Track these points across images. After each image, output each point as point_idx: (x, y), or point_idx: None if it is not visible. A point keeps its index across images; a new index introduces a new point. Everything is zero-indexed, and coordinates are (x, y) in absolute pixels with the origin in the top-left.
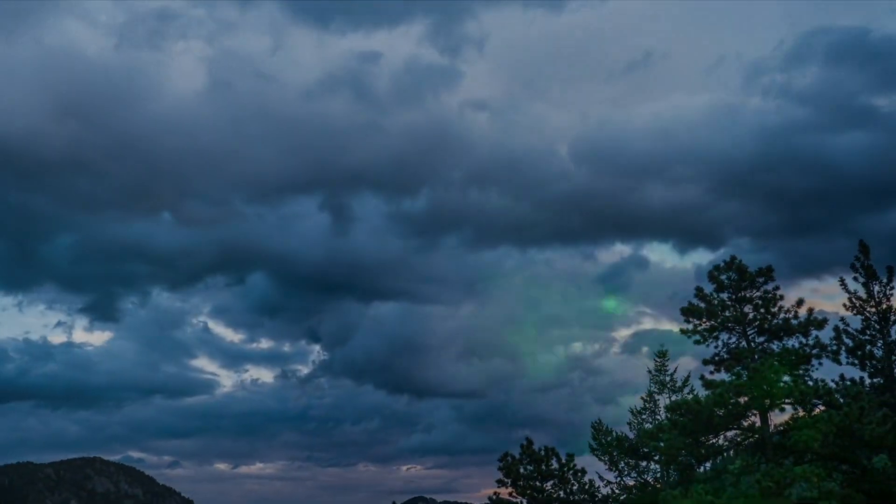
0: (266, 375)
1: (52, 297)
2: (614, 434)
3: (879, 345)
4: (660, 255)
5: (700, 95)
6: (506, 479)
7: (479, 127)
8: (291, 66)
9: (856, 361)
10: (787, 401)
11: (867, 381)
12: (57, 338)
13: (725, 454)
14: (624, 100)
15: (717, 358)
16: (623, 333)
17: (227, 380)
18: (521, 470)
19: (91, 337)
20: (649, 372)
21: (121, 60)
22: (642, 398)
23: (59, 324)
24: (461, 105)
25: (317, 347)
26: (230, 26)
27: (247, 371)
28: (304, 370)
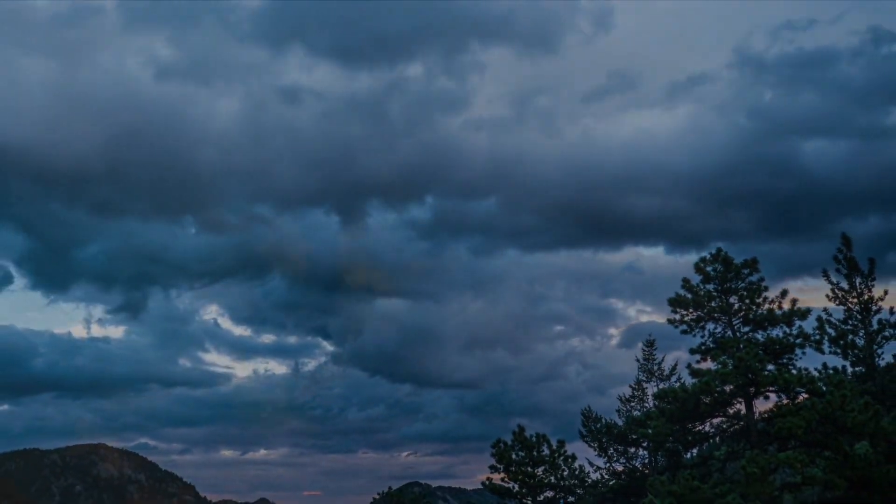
0: (277, 368)
1: (81, 295)
2: (604, 421)
3: (861, 335)
4: (652, 257)
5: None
6: (498, 465)
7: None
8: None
9: (838, 351)
10: (771, 389)
11: (849, 369)
12: (82, 333)
13: (711, 441)
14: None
15: (703, 347)
16: (619, 329)
17: (240, 372)
18: (514, 456)
19: (115, 332)
20: (637, 361)
21: (164, 89)
22: (631, 386)
23: (85, 320)
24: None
25: (325, 342)
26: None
27: (259, 364)
28: (314, 363)
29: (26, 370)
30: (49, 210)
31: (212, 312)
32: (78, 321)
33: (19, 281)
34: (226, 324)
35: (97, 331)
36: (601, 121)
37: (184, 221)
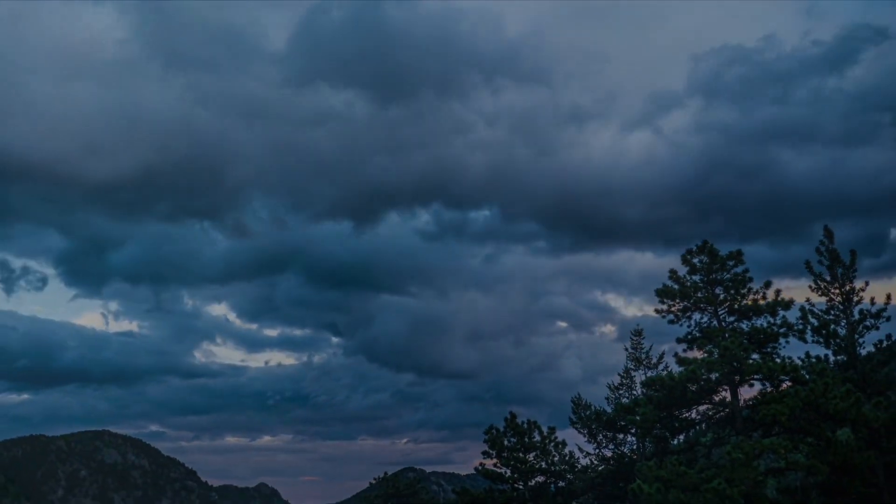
0: (286, 360)
1: (110, 293)
2: (593, 408)
3: (843, 324)
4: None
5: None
6: (491, 451)
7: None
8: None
9: (820, 340)
10: (755, 377)
11: (831, 358)
12: (109, 328)
13: (698, 427)
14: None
15: (689, 336)
16: (613, 324)
17: (252, 364)
18: (506, 442)
19: (138, 327)
20: (626, 350)
21: (199, 114)
22: (619, 375)
23: (113, 315)
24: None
25: (334, 337)
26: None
27: (270, 356)
28: (322, 355)
29: (56, 362)
30: (83, 216)
31: (225, 309)
32: (106, 317)
33: (55, 280)
34: (240, 319)
35: (122, 326)
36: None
37: (209, 227)
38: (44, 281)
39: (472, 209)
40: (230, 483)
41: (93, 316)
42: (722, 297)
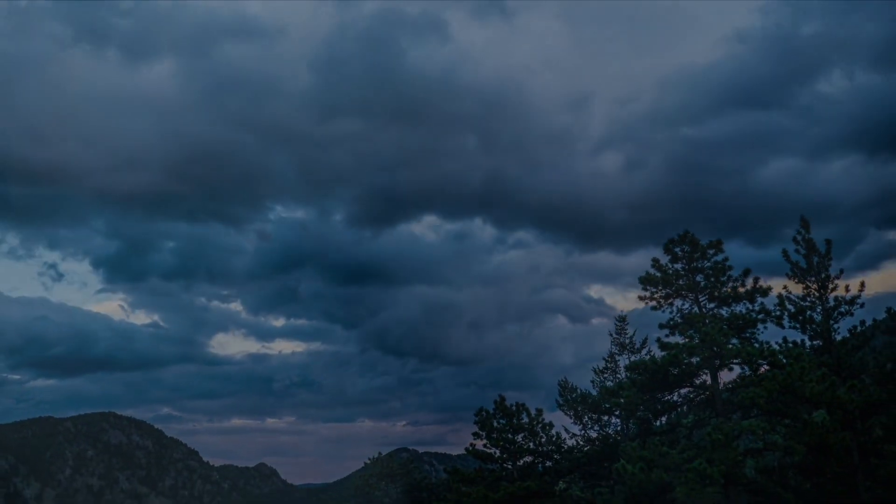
0: (297, 347)
1: (146, 288)
2: (579, 391)
3: (819, 311)
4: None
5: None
6: (480, 432)
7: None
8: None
9: (797, 326)
10: (735, 361)
11: (808, 343)
12: (139, 320)
13: (679, 409)
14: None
15: (671, 322)
16: (602, 316)
17: (264, 351)
18: (495, 423)
19: (165, 319)
20: (610, 335)
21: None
22: (604, 359)
23: (143, 308)
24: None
25: (342, 327)
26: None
27: (283, 345)
28: (331, 344)
29: (86, 351)
30: (122, 219)
31: (244, 303)
32: (131, 309)
33: (93, 275)
34: (256, 312)
35: (148, 318)
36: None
37: (235, 231)
38: (83, 276)
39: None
40: (231, 463)
41: (119, 308)
42: (703, 284)
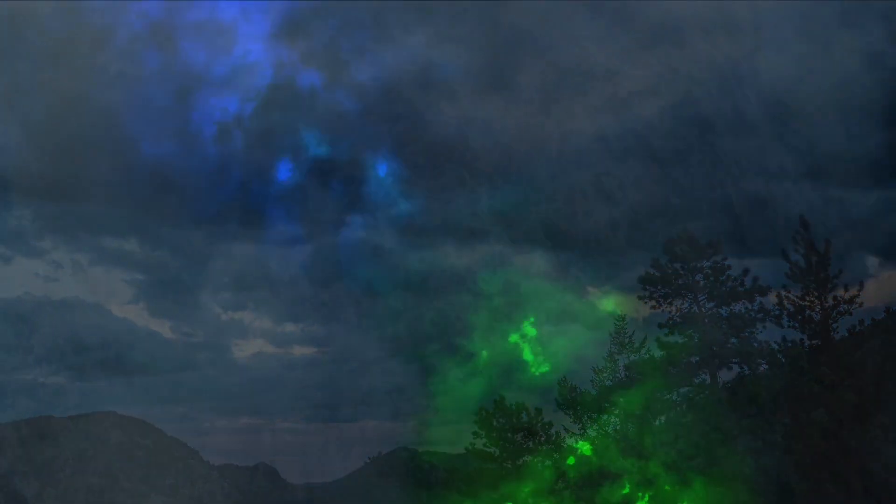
0: (306, 351)
1: (169, 297)
2: (578, 390)
3: (817, 310)
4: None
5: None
6: (480, 431)
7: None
8: None
9: (796, 325)
10: (734, 360)
11: (806, 342)
12: (153, 326)
13: (678, 408)
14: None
15: (671, 321)
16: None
17: (273, 354)
18: (494, 423)
19: (181, 325)
20: (610, 334)
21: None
22: (604, 358)
23: (175, 317)
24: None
25: (350, 327)
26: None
27: (292, 348)
28: (340, 344)
29: (118, 356)
30: (160, 232)
31: (258, 309)
32: (172, 321)
33: (131, 288)
34: (272, 316)
35: (183, 329)
36: None
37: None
38: (121, 285)
39: None
40: (231, 463)
41: (156, 320)
42: (702, 283)
